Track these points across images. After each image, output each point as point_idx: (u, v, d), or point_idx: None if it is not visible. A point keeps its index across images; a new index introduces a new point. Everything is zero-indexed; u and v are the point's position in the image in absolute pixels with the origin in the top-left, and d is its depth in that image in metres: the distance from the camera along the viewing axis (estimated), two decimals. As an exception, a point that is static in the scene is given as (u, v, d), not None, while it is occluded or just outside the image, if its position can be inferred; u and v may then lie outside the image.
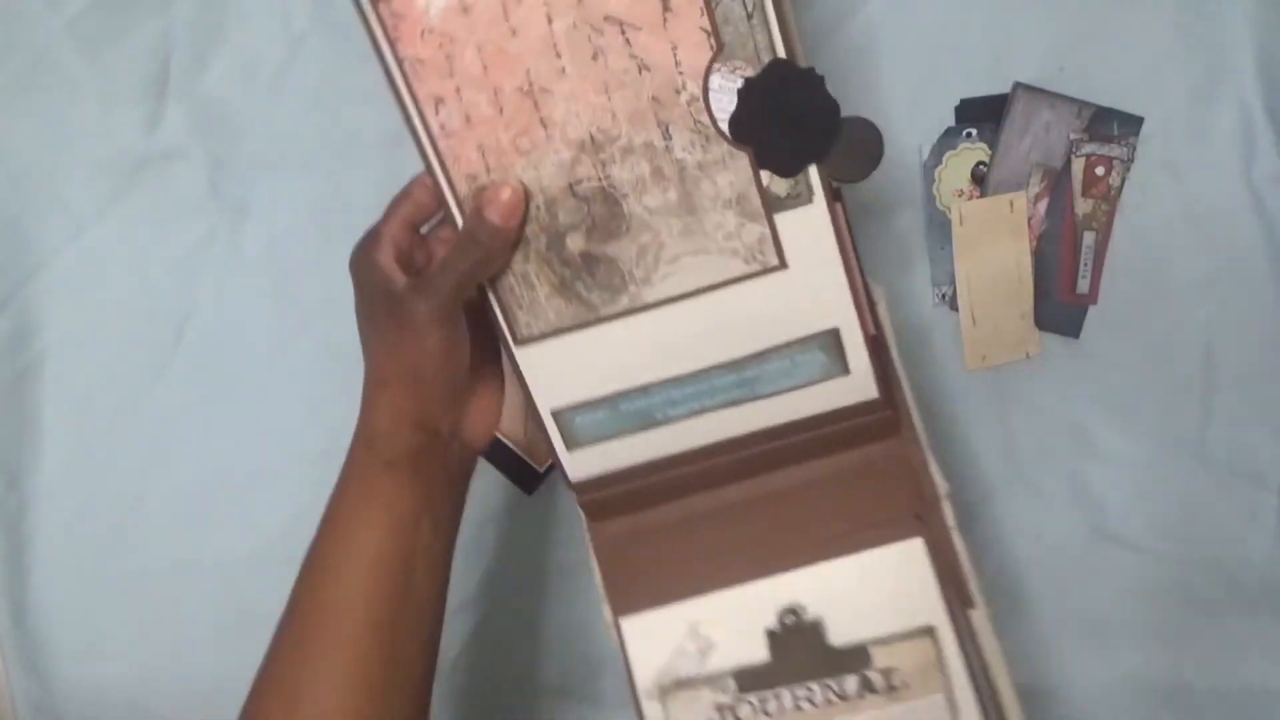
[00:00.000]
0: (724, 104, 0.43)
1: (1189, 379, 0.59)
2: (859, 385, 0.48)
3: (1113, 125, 0.57)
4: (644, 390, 0.49)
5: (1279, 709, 0.62)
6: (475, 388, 0.50)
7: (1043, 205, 0.58)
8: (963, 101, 0.59)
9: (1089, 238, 0.58)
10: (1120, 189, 0.58)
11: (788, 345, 0.47)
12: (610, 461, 0.50)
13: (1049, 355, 0.61)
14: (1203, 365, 0.60)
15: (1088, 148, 0.57)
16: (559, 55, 0.42)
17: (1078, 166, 0.58)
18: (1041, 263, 0.59)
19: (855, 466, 0.51)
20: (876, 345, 0.48)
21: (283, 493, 0.64)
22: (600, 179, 0.44)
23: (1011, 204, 0.58)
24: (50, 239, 0.65)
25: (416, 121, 0.44)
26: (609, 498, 0.52)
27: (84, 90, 0.64)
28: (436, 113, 0.44)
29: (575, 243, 0.46)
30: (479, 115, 0.43)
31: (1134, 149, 0.57)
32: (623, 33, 0.42)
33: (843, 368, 0.48)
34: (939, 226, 0.60)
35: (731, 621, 0.50)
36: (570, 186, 0.44)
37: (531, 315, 0.47)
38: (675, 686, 0.49)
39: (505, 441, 0.62)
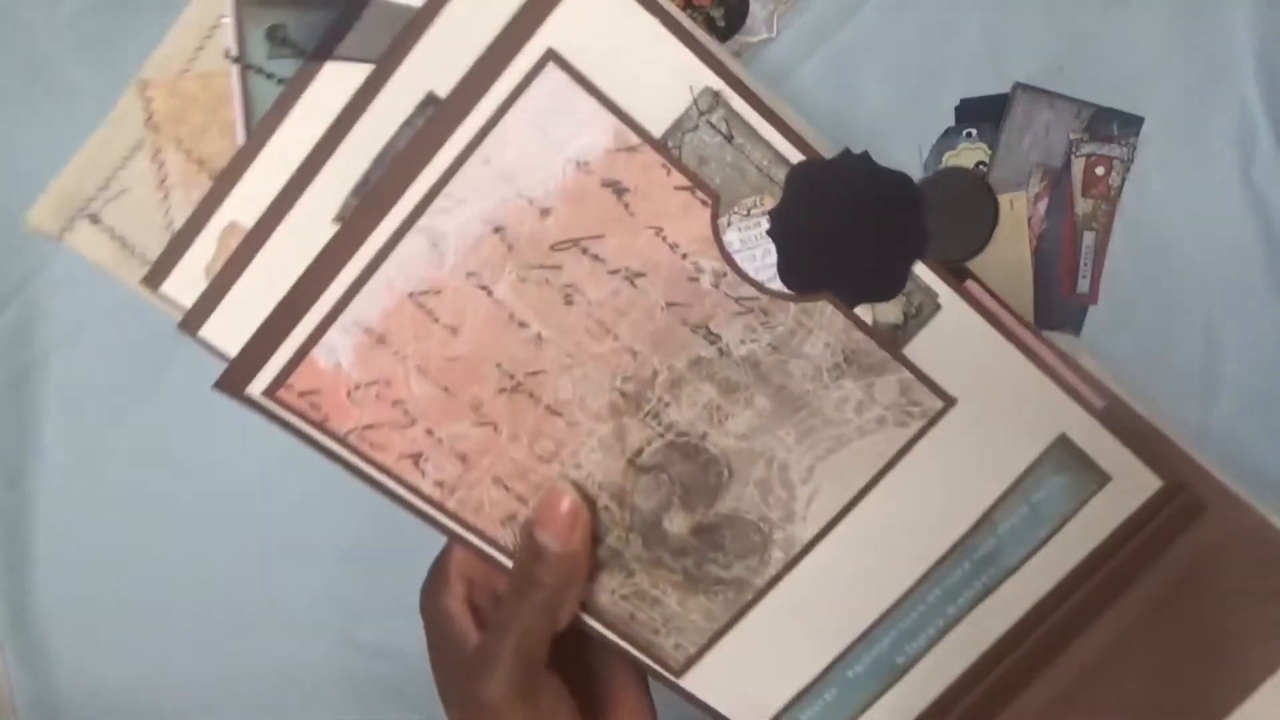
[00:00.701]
0: (760, 259, 0.30)
1: (1189, 378, 0.58)
2: (1132, 482, 0.34)
3: (1113, 125, 0.58)
4: (865, 640, 0.35)
5: None
6: None
7: (1043, 205, 0.58)
8: (963, 101, 0.59)
9: (1089, 238, 0.58)
10: (1120, 189, 0.58)
11: (1014, 490, 0.33)
12: (875, 746, 0.36)
13: (1050, 356, 0.58)
14: (1203, 365, 0.59)
15: (1088, 148, 0.58)
16: (524, 324, 0.30)
17: (1078, 166, 0.58)
18: (1041, 263, 0.58)
19: (1183, 574, 0.36)
20: (1119, 416, 0.33)
21: (283, 492, 0.61)
22: (662, 434, 0.31)
23: (1011, 204, 0.57)
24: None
25: (405, 494, 0.32)
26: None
27: (84, 89, 0.61)
28: (421, 472, 0.32)
29: (677, 524, 0.33)
30: (473, 446, 0.31)
31: (1134, 149, 0.58)
32: (585, 252, 0.29)
33: (1098, 476, 0.33)
34: (939, 227, 0.58)
35: None
36: (631, 463, 0.32)
37: (677, 635, 0.34)
38: None
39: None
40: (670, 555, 0.33)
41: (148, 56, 0.61)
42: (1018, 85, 0.58)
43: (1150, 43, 0.58)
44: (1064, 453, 0.33)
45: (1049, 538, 0.34)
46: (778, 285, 0.30)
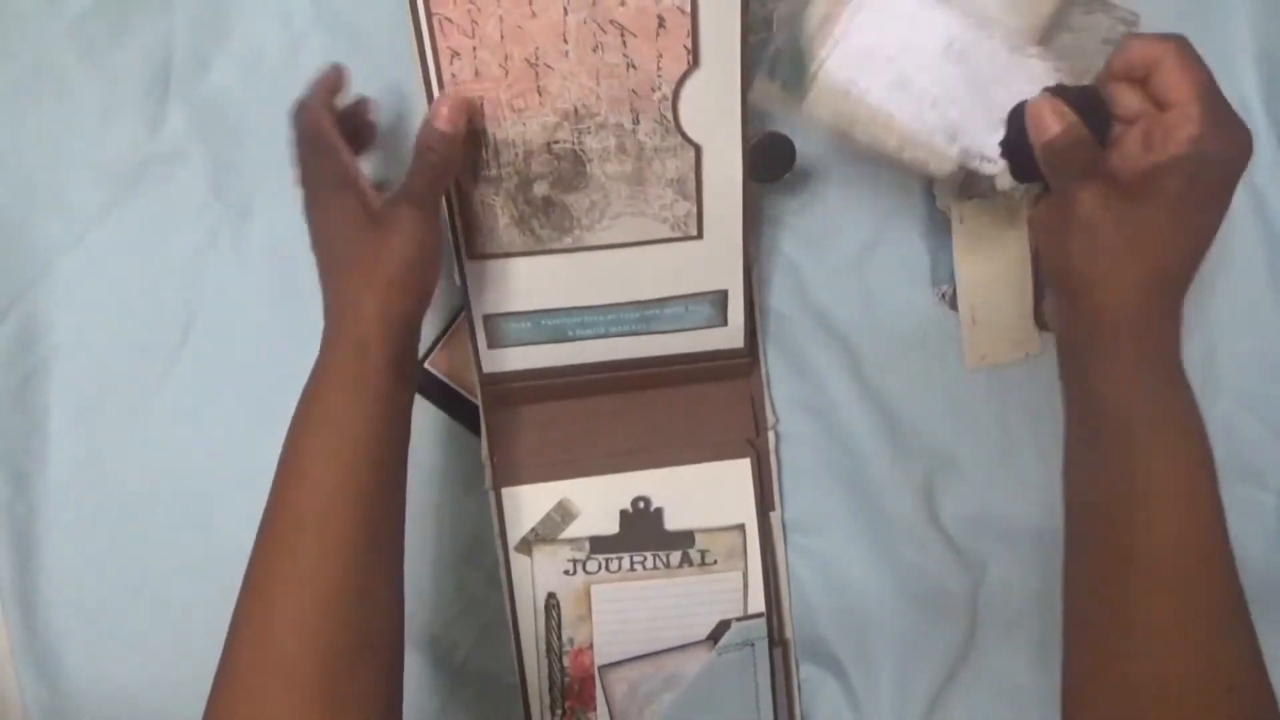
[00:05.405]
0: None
1: (1189, 379, 0.55)
2: (732, 335, 0.62)
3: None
4: (565, 311, 0.59)
5: None
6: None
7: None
8: (963, 101, 0.55)
9: (1090, 237, 0.56)
10: (1120, 189, 0.57)
11: (687, 296, 0.60)
12: (520, 362, 0.61)
13: (1049, 355, 0.59)
14: (1203, 365, 0.59)
15: (1089, 147, 0.55)
16: (566, 41, 0.51)
17: (1079, 166, 0.56)
18: (1042, 263, 0.56)
19: (714, 396, 0.64)
20: (750, 308, 0.61)
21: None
22: (574, 144, 0.53)
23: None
24: (54, 242, 0.65)
25: (431, 66, 0.51)
26: (510, 390, 0.63)
27: (85, 93, 0.65)
28: (451, 63, 0.51)
29: (541, 189, 0.55)
30: (487, 73, 0.51)
31: (1134, 149, 0.53)
32: (621, 35, 0.51)
33: (723, 321, 0.61)
34: (939, 226, 0.61)
35: (593, 501, 0.63)
36: (548, 145, 0.53)
37: (488, 238, 0.56)
38: (540, 542, 0.62)
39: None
40: (523, 201, 0.55)
41: (147, 58, 0.64)
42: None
43: (1150, 42, 0.52)
44: (719, 298, 0.59)
45: (681, 330, 0.60)
46: (683, 125, 0.54)
